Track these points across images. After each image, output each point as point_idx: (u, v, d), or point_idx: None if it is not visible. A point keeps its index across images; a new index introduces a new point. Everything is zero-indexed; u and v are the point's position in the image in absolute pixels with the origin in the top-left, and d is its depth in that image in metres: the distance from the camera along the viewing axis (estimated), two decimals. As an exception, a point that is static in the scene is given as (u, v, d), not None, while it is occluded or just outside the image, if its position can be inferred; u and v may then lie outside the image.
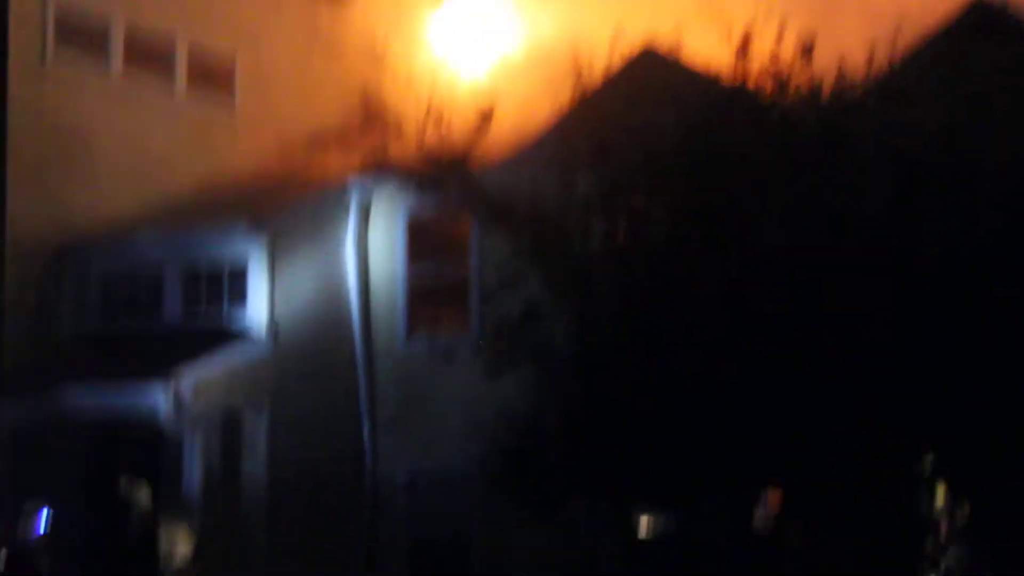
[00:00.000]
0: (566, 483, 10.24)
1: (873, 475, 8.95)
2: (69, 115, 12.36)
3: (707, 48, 10.89)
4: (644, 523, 10.60)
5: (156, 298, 12.39)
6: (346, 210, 12.29)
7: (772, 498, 9.50)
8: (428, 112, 11.61)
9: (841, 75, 10.12)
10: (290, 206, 12.48)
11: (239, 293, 12.35)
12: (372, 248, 12.54)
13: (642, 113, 10.64)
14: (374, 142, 12.15)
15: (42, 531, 10.25)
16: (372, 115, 12.07)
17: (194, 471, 11.61)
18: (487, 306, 11.66)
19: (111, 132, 12.63)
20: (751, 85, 10.35)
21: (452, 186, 11.61)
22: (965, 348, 8.75)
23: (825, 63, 10.28)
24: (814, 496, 9.35)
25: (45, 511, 10.32)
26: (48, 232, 12.30)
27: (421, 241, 12.72)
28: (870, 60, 10.04)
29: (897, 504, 8.94)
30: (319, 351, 12.19)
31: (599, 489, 10.46)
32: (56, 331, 12.33)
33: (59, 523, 10.52)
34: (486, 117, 11.57)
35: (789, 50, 10.13)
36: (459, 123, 11.62)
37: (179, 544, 10.85)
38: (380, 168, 12.12)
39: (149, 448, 11.55)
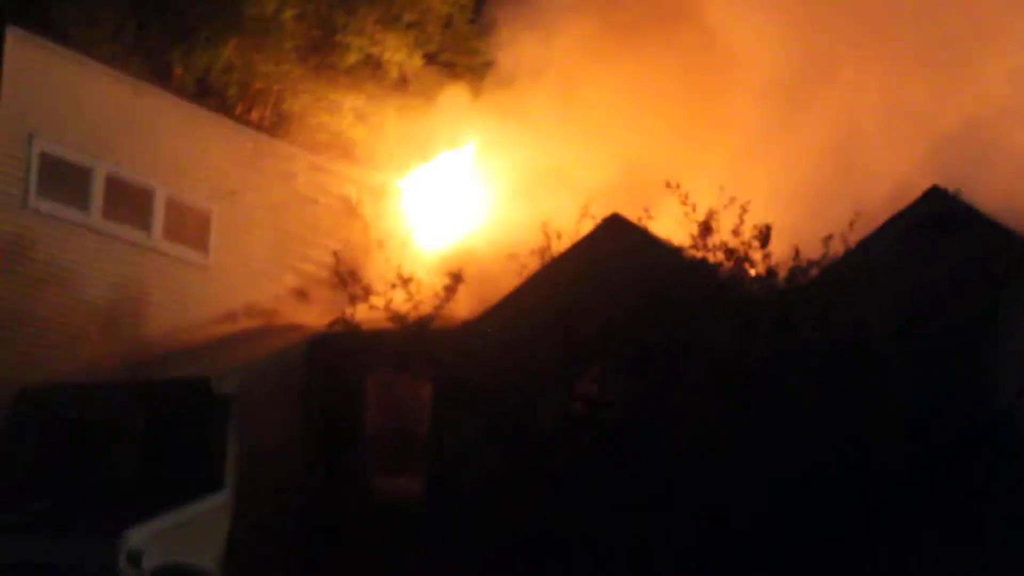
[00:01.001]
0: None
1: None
2: (48, 261, 12.61)
3: (672, 225, 11.03)
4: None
5: (115, 448, 12.34)
6: (307, 366, 12.38)
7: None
8: (397, 274, 11.90)
9: (797, 261, 10.47)
10: (254, 360, 12.50)
11: (199, 446, 12.26)
12: (335, 405, 12.64)
13: (605, 280, 10.92)
14: (343, 299, 12.34)
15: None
16: (343, 273, 12.17)
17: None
18: (443, 472, 11.65)
19: (78, 281, 12.82)
20: (712, 260, 10.65)
21: (415, 348, 11.83)
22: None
23: (783, 248, 10.58)
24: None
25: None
26: (12, 378, 12.32)
27: (382, 401, 12.73)
28: (825, 248, 10.32)
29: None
30: (272, 505, 12.07)
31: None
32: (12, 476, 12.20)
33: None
34: (453, 282, 11.79)
35: (749, 232, 10.50)
36: (426, 287, 11.86)
37: None
38: (347, 325, 12.33)
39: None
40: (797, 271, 10.41)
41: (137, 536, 10.92)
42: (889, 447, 9.53)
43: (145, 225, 13.32)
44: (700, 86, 14.42)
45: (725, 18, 14.68)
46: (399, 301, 11.56)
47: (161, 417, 12.14)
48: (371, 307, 11.75)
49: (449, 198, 15.66)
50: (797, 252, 10.43)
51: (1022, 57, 12.50)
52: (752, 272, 10.69)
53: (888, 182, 11.48)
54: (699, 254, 10.56)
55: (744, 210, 10.16)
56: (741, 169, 11.94)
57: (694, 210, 10.33)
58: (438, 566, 11.06)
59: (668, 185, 10.45)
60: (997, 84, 12.45)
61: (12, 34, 12.32)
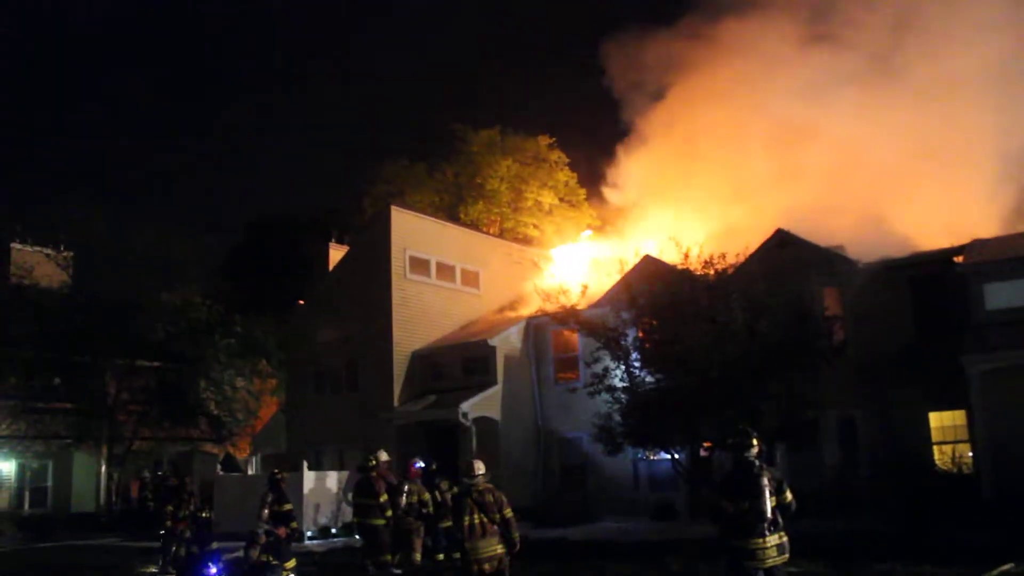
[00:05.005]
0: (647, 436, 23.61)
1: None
2: (416, 297, 29.75)
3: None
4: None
5: (451, 373, 28.95)
6: (525, 331, 28.85)
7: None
8: (559, 289, 28.15)
9: (725, 266, 22.57)
10: (505, 331, 29.05)
11: (487, 370, 28.60)
12: (540, 348, 28.94)
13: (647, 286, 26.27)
14: (539, 303, 28.69)
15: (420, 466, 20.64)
16: (538, 292, 28.58)
17: (470, 448, 27.51)
18: (589, 368, 27.42)
19: (430, 304, 29.90)
20: (693, 269, 23.27)
21: (571, 319, 27.87)
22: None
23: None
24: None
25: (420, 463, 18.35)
26: (409, 348, 29.30)
27: (559, 343, 28.90)
28: (734, 262, 22.51)
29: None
30: (519, 391, 28.41)
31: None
32: (414, 388, 29.06)
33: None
34: (584, 289, 27.84)
35: (707, 256, 22.81)
36: (573, 294, 27.94)
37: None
38: (541, 314, 28.64)
39: (453, 433, 27.59)
40: (725, 269, 24.30)
41: (468, 404, 27.72)
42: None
43: (454, 279, 30.65)
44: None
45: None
46: (563, 300, 27.78)
47: (469, 355, 29.11)
48: (551, 304, 28.10)
49: (580, 255, 32.66)
50: (725, 262, 24.59)
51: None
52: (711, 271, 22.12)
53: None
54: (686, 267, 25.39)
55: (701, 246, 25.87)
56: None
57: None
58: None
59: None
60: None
61: (396, 210, 29.97)
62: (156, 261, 30.79)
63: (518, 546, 9.73)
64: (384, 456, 17.57)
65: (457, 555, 10.66)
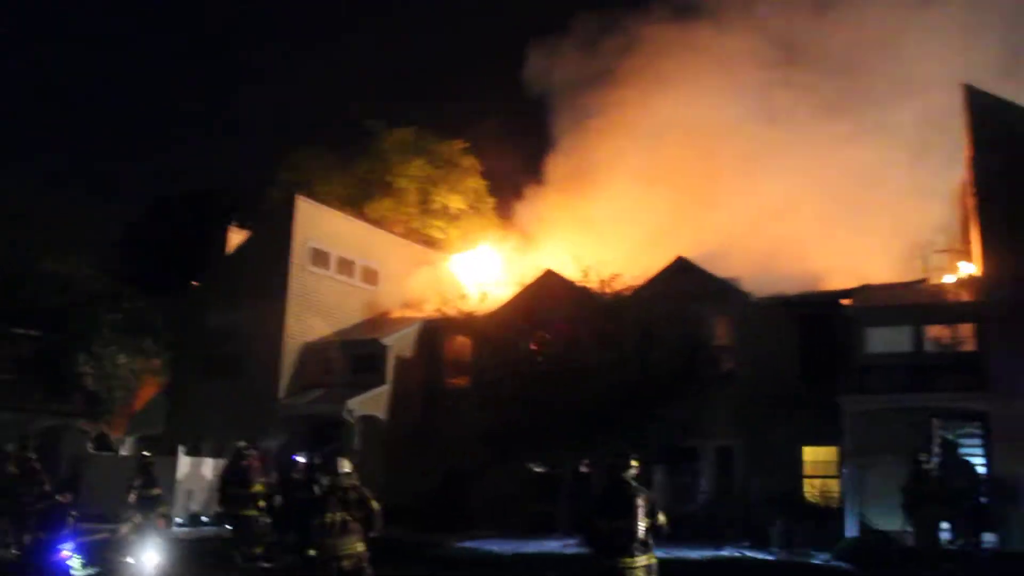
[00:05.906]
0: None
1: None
2: (313, 289, 29.30)
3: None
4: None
5: (341, 368, 28.59)
6: (420, 332, 28.76)
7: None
8: (458, 295, 28.14)
9: (623, 287, 23.71)
10: (399, 332, 28.88)
11: (377, 369, 28.28)
12: (433, 351, 28.84)
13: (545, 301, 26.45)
14: (437, 306, 28.58)
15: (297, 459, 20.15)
16: (437, 295, 28.49)
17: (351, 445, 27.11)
18: (480, 375, 27.47)
19: (327, 297, 29.52)
20: (591, 288, 24.13)
21: (467, 326, 27.91)
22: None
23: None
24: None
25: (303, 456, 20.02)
26: (301, 340, 28.81)
27: (452, 348, 28.84)
28: (632, 284, 23.87)
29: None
30: (408, 392, 28.24)
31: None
32: (302, 381, 28.58)
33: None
34: (483, 297, 27.94)
35: (605, 277, 23.72)
36: (471, 301, 27.93)
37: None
38: (438, 316, 28.58)
39: (339, 429, 27.14)
40: (622, 292, 23.99)
41: (355, 400, 27.35)
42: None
43: (353, 275, 30.33)
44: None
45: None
46: (461, 304, 27.78)
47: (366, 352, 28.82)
48: (450, 307, 28.06)
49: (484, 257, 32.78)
50: (622, 285, 24.37)
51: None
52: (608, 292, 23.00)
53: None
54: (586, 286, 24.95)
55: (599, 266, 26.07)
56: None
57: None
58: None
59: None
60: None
61: (301, 200, 29.48)
62: (44, 227, 29.60)
63: (376, 529, 9.91)
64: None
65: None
